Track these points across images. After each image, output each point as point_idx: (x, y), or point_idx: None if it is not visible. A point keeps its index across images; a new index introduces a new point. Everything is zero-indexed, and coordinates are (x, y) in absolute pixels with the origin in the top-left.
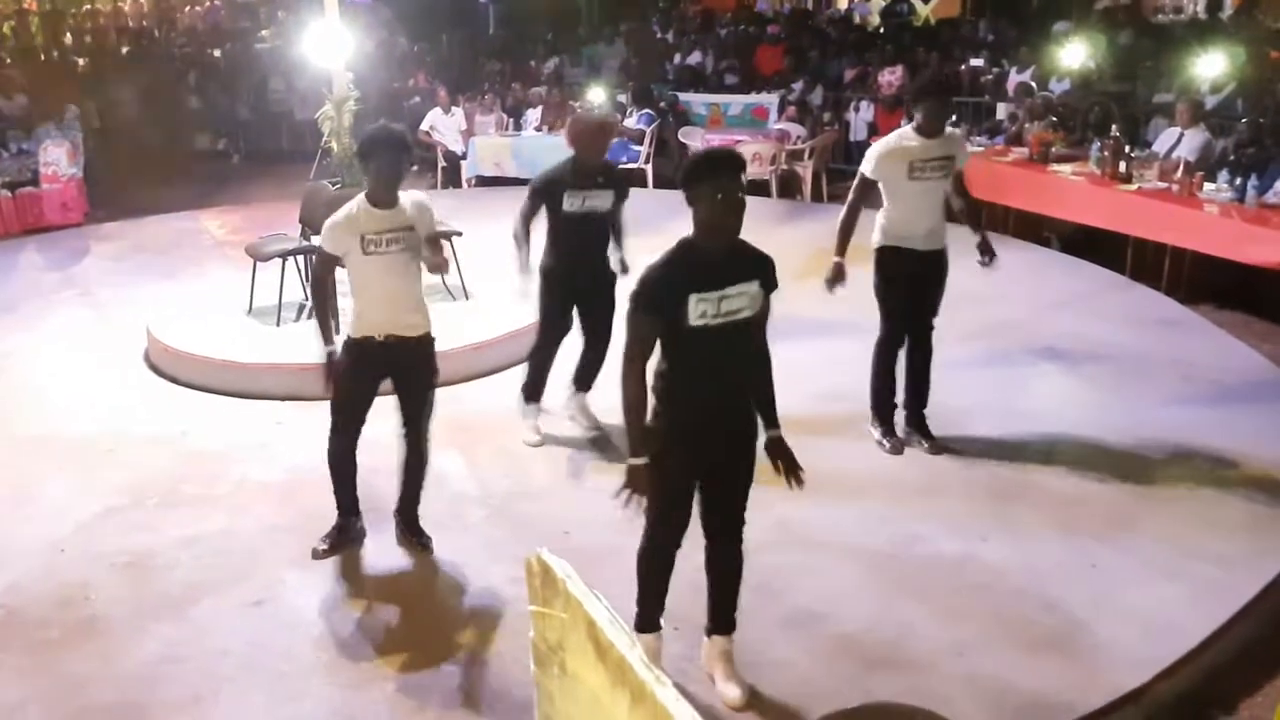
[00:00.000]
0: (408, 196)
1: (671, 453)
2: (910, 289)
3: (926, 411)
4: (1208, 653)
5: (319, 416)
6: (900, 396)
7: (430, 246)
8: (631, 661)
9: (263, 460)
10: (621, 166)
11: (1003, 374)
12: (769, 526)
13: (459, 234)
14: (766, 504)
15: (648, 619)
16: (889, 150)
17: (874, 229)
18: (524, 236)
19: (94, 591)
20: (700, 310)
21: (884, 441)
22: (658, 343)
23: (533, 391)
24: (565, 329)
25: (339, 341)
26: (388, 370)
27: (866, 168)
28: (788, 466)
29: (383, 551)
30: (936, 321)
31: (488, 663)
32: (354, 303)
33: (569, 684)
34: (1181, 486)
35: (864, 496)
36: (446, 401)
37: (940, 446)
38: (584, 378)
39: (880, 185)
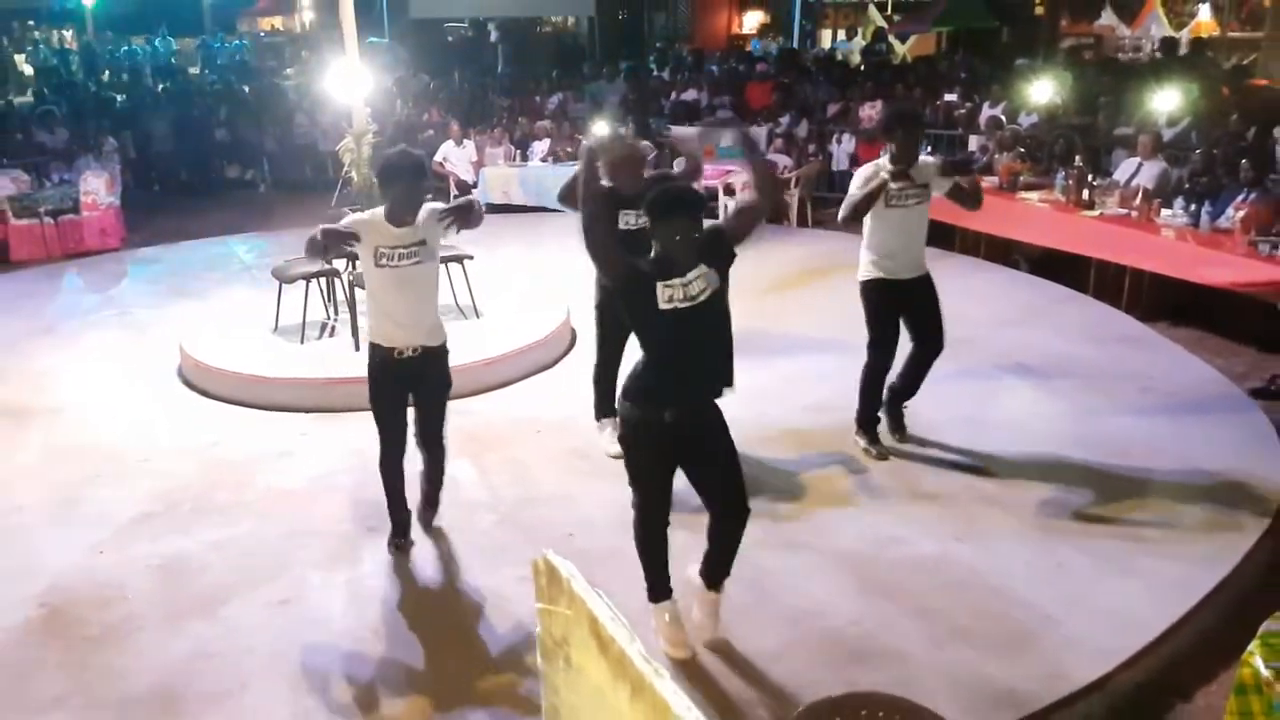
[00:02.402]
0: (422, 213)
1: (641, 445)
2: (901, 317)
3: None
4: (1166, 644)
5: (340, 428)
6: (891, 378)
7: (451, 215)
8: (631, 655)
9: (288, 469)
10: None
11: (973, 387)
12: (758, 529)
13: (470, 257)
14: (756, 508)
15: (658, 589)
16: (867, 179)
17: (859, 265)
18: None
19: (130, 591)
20: (669, 298)
21: (870, 449)
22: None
23: (604, 409)
24: (624, 344)
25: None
26: (408, 383)
27: (854, 189)
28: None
29: (400, 554)
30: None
31: (498, 657)
32: (370, 312)
33: (573, 676)
34: (1141, 491)
35: (847, 502)
36: (458, 414)
37: (906, 438)
38: None
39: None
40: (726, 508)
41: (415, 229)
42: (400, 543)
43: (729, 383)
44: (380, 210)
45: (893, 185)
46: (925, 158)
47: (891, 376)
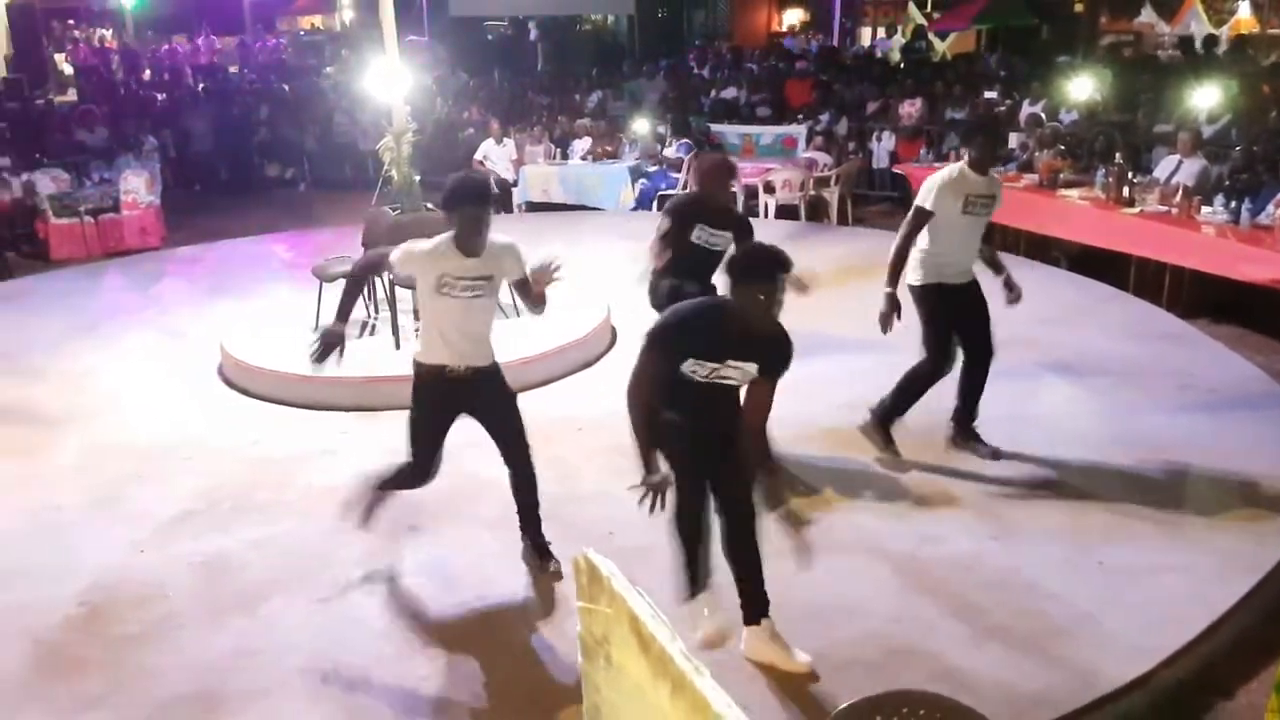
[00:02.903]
0: (497, 245)
1: (682, 452)
2: (957, 324)
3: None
4: (1206, 642)
5: (382, 426)
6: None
7: (521, 291)
8: (672, 653)
9: (329, 467)
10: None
11: (1013, 385)
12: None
13: None
14: (793, 505)
15: (695, 582)
16: (947, 183)
17: (910, 268)
18: (660, 252)
19: (171, 590)
20: (691, 369)
21: (885, 450)
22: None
23: None
24: None
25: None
26: (462, 406)
27: (925, 200)
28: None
29: (440, 551)
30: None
31: (539, 655)
32: (421, 330)
33: (614, 675)
34: (1180, 489)
35: (884, 500)
36: None
37: (997, 453)
38: None
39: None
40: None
41: (485, 261)
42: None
43: None
44: (448, 237)
45: (973, 192)
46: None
47: (951, 397)
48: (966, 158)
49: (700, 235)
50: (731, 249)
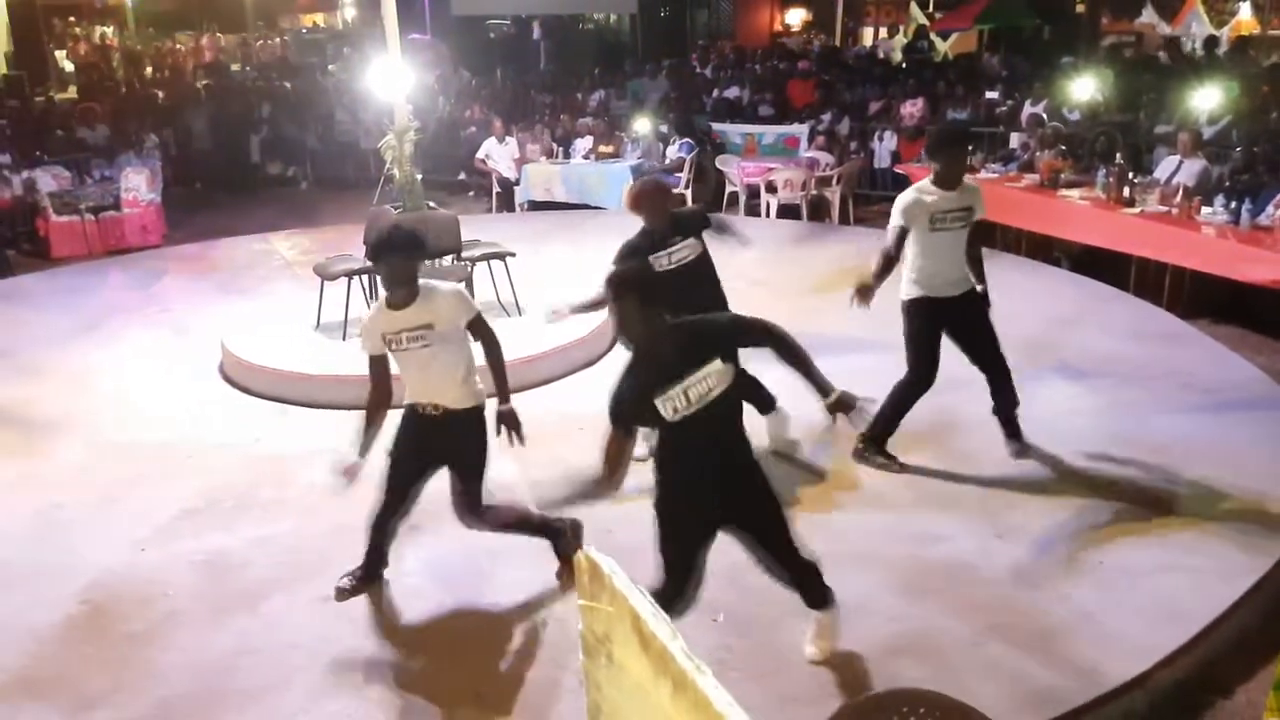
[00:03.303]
0: (433, 292)
1: (671, 512)
2: (950, 335)
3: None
4: (1206, 641)
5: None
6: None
7: (477, 336)
8: (673, 652)
9: (330, 466)
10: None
11: (1015, 384)
12: (799, 526)
13: (513, 255)
14: (797, 505)
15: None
16: (910, 203)
17: (901, 284)
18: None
19: (173, 588)
20: (671, 407)
21: (887, 464)
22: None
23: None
24: None
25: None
26: (435, 447)
27: (896, 218)
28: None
29: (441, 549)
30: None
31: (540, 654)
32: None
33: (615, 673)
34: (1180, 489)
35: (886, 499)
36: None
37: (1024, 450)
38: None
39: (909, 236)
40: (784, 565)
41: (420, 311)
42: (352, 585)
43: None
44: (382, 298)
45: (937, 210)
46: (970, 180)
47: (988, 404)
48: (932, 174)
49: (659, 262)
50: (692, 251)
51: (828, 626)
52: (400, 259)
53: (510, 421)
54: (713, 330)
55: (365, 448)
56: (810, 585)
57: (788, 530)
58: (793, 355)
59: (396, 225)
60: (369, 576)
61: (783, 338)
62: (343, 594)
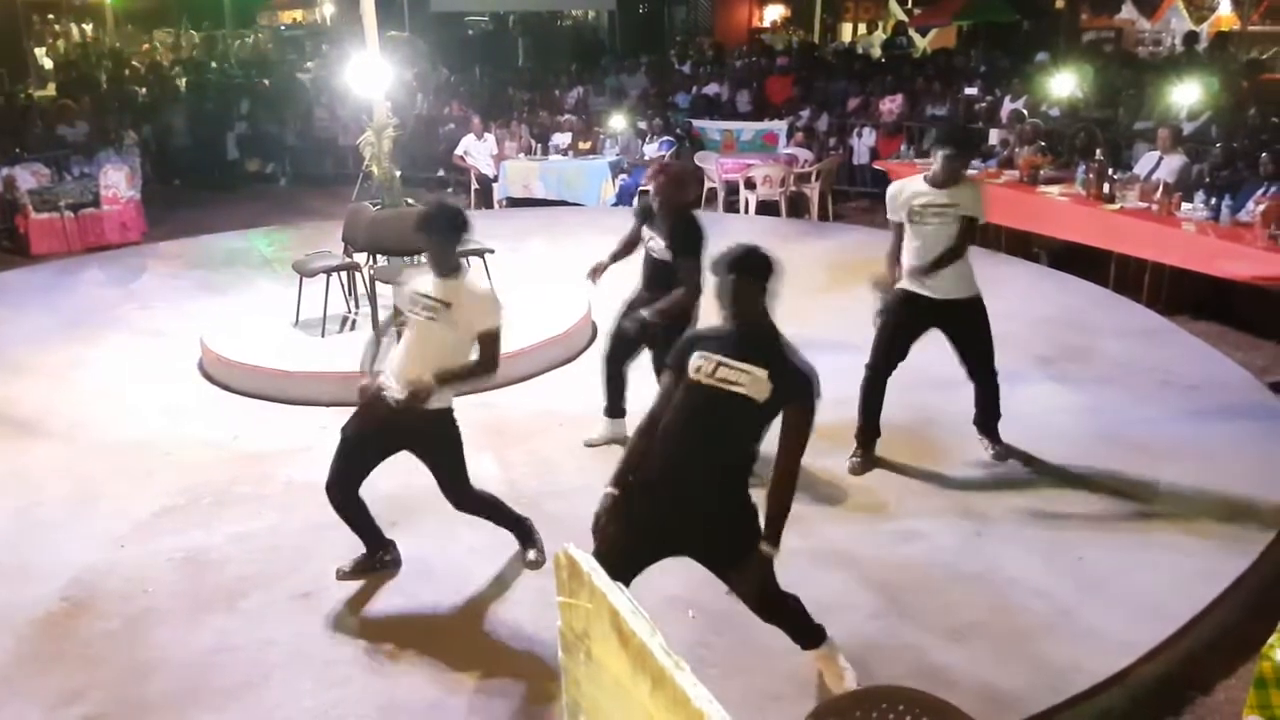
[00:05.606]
0: (473, 284)
1: (614, 517)
2: (955, 345)
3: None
4: (1186, 638)
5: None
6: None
7: (482, 346)
8: (652, 649)
9: (309, 462)
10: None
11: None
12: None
13: (491, 251)
14: None
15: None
16: (895, 193)
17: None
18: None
19: (152, 585)
20: (697, 365)
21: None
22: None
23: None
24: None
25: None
26: (397, 437)
27: (889, 211)
28: (743, 590)
29: (422, 548)
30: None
31: (519, 650)
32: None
33: (594, 670)
34: (1160, 485)
35: (867, 496)
36: (481, 407)
37: (1005, 453)
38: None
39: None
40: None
41: (449, 288)
42: (357, 566)
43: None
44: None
45: (916, 203)
46: (967, 181)
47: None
48: (933, 168)
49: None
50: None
51: (831, 660)
52: (444, 237)
53: (418, 396)
54: (791, 365)
55: (366, 362)
56: (796, 632)
57: (762, 591)
58: (791, 450)
59: (442, 202)
60: (375, 547)
61: (806, 431)
62: (342, 575)
